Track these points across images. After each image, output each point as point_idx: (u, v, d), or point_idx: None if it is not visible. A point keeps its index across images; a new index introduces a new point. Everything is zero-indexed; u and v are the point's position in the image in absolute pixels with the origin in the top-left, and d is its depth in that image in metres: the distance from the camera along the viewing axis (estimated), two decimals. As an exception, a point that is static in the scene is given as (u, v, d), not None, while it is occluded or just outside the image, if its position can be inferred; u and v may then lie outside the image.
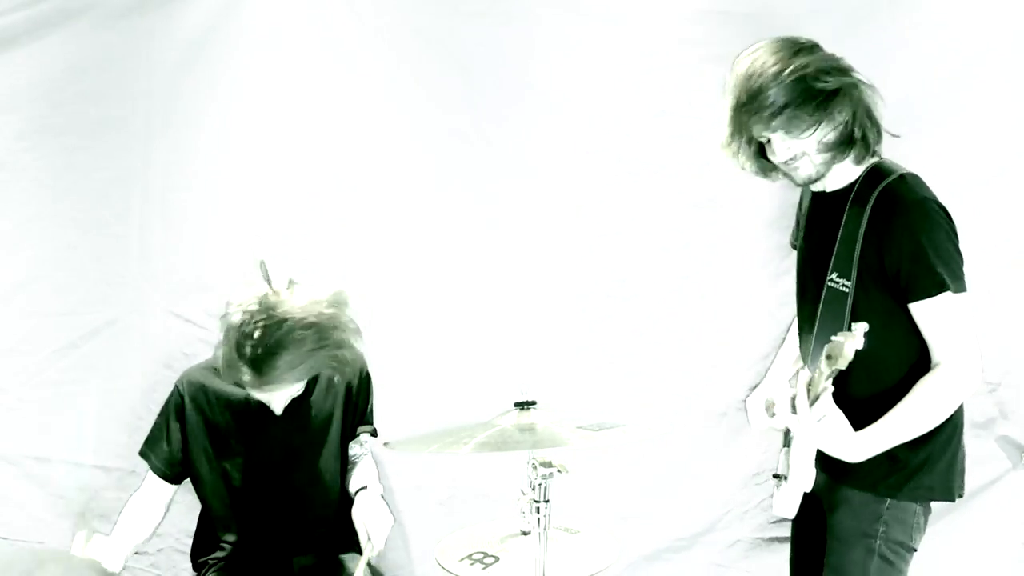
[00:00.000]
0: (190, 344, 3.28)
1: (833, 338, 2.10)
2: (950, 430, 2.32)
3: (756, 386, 3.24)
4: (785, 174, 2.40)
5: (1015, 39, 3.06)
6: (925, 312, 2.26)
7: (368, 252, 3.33)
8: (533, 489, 2.24)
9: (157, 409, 3.24)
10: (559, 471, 2.22)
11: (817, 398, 2.17)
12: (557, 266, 3.34)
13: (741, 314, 3.24)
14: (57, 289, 3.34)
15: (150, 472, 2.80)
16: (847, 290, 2.30)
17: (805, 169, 2.33)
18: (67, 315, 3.34)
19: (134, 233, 3.35)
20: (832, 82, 2.26)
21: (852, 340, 2.06)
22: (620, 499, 3.31)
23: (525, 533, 2.37)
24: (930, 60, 3.06)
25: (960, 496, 2.41)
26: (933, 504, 2.42)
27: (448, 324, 3.34)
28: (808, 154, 2.30)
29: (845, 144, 2.30)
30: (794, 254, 2.67)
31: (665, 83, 3.29)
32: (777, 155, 2.33)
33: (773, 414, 2.52)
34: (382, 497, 2.77)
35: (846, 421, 2.21)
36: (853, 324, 2.08)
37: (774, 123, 2.26)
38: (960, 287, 2.26)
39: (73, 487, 3.35)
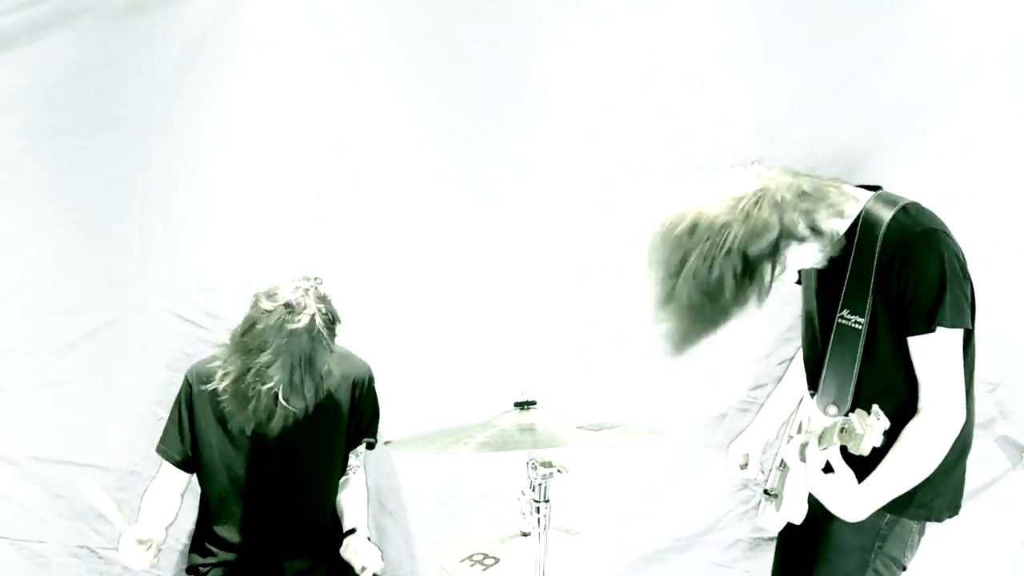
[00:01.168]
0: (190, 344, 3.28)
1: (852, 416, 2.06)
2: (957, 451, 2.30)
3: (758, 387, 3.25)
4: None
5: (1015, 39, 3.06)
6: (918, 348, 2.24)
7: (368, 252, 3.32)
8: (533, 489, 2.25)
9: (158, 409, 3.27)
10: (559, 471, 2.23)
11: (827, 449, 2.15)
12: (557, 266, 3.34)
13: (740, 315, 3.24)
14: (57, 289, 3.33)
15: (164, 463, 2.87)
16: (860, 327, 2.28)
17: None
18: (67, 315, 3.33)
19: (134, 233, 3.34)
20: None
21: (872, 435, 2.01)
22: (620, 499, 3.30)
23: (525, 534, 2.38)
24: (930, 60, 3.06)
25: (953, 515, 2.39)
26: None
27: (448, 324, 3.34)
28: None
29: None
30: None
31: (665, 82, 3.29)
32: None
33: (744, 466, 2.60)
34: (368, 539, 2.84)
35: (853, 479, 2.19)
36: (874, 413, 2.02)
37: None
38: (958, 322, 2.22)
39: (73, 487, 3.30)
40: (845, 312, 2.31)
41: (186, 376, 2.87)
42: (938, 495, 2.33)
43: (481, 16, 3.30)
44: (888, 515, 2.31)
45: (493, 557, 2.32)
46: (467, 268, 3.35)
